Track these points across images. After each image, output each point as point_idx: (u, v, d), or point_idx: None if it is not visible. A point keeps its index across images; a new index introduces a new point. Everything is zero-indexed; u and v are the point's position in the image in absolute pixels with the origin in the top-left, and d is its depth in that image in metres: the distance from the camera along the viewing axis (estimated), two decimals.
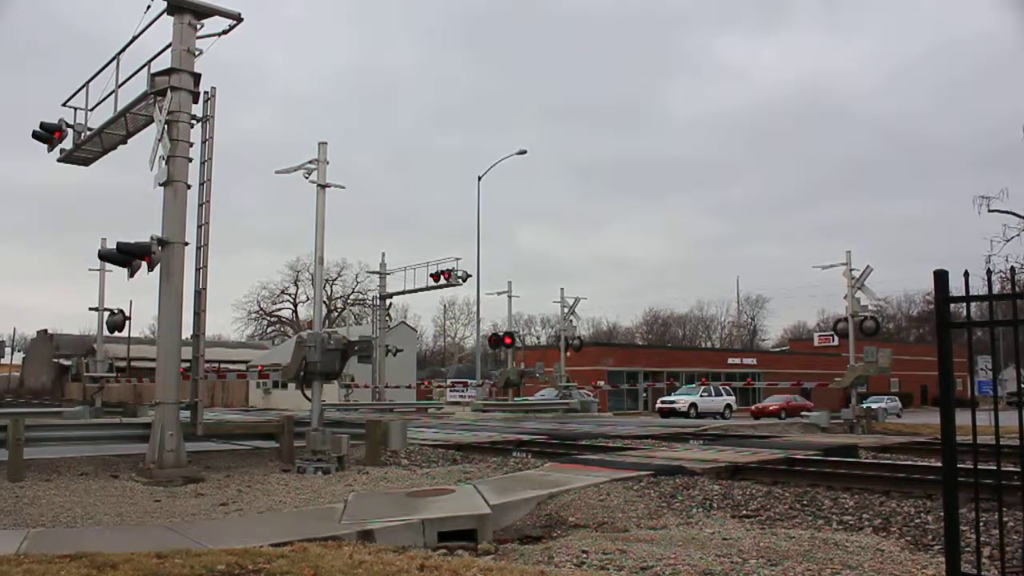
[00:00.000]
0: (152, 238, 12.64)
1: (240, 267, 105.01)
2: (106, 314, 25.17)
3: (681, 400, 42.13)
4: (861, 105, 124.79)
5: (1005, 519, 5.67)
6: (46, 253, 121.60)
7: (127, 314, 23.68)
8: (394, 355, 37.57)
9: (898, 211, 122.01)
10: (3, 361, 60.57)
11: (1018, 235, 24.32)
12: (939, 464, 6.10)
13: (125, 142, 15.42)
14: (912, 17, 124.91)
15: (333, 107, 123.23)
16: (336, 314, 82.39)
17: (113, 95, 14.39)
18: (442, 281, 35.64)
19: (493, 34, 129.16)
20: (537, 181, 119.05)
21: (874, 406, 29.66)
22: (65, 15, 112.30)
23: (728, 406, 42.79)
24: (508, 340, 37.96)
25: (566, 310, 39.42)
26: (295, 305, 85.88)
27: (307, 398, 14.10)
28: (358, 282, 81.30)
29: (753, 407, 43.56)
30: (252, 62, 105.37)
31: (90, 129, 15.29)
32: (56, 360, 68.48)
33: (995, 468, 5.02)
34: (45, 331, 75.41)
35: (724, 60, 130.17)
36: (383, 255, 39.23)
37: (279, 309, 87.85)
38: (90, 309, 27.88)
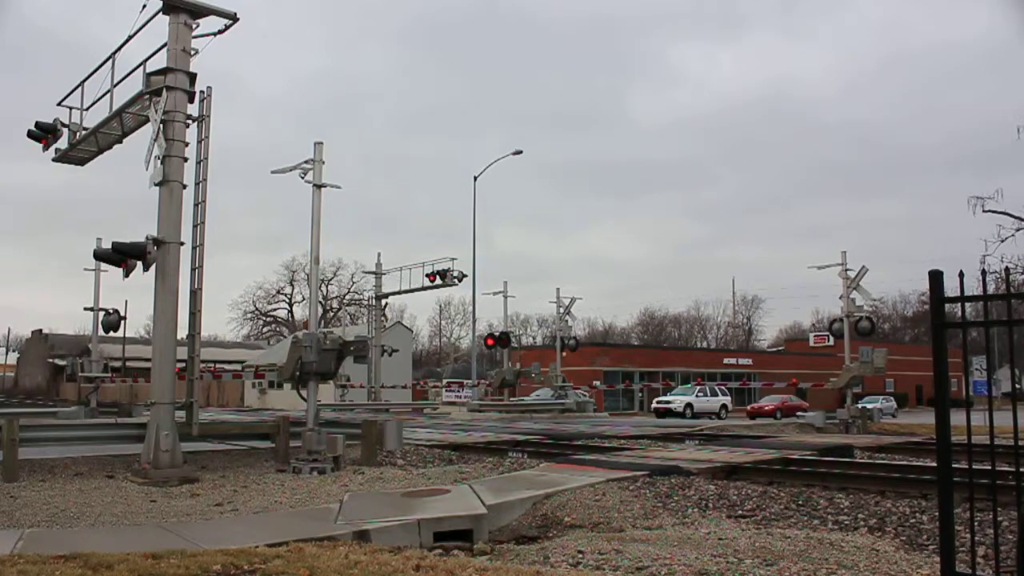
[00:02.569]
0: (148, 238, 12.61)
1: (221, 268, 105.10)
2: (101, 314, 25.14)
3: (677, 400, 42.12)
4: (827, 110, 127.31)
5: (1000, 519, 5.68)
6: (41, 253, 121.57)
7: (122, 314, 23.69)
8: (390, 355, 37.53)
9: (878, 212, 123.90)
10: None
11: (1012, 236, 24.40)
12: (934, 464, 6.11)
13: (121, 141, 15.40)
14: (869, 25, 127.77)
15: (305, 112, 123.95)
16: (332, 314, 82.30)
17: (109, 95, 14.37)
18: (438, 281, 35.63)
19: (459, 40, 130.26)
20: (512, 183, 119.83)
21: (869, 406, 29.66)
22: (46, 20, 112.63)
23: (724, 406, 42.80)
24: (504, 340, 37.98)
25: (562, 310, 39.48)
26: (291, 305, 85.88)
27: (303, 398, 14.08)
28: (354, 282, 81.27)
29: (749, 407, 43.56)
30: (225, 68, 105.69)
31: (85, 129, 15.26)
32: (51, 360, 68.27)
33: (990, 468, 5.04)
34: (40, 331, 75.24)
35: (689, 65, 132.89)
36: (379, 255, 39.24)
37: (275, 309, 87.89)
38: (85, 309, 27.97)
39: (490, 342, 39.40)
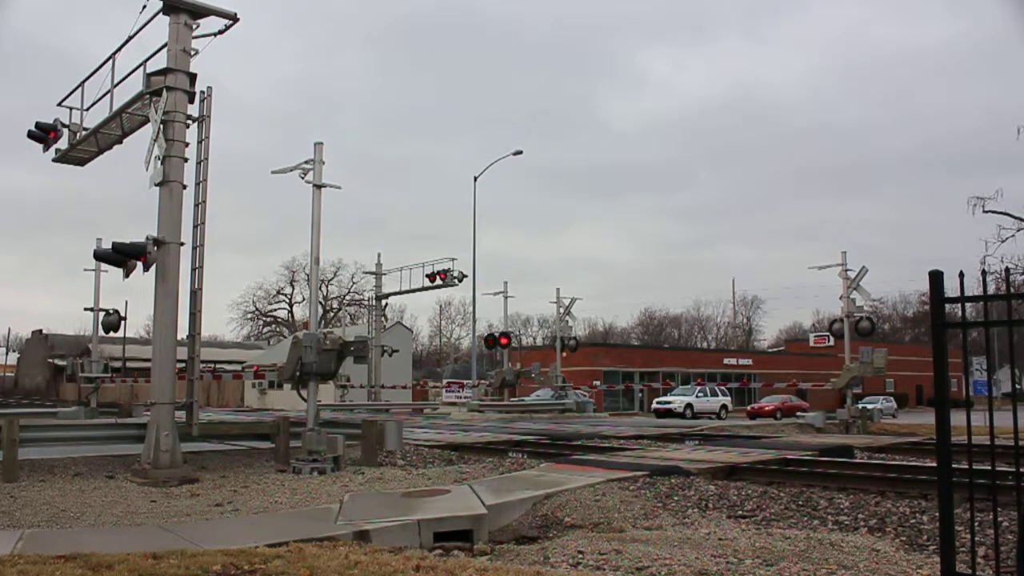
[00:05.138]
0: (148, 238, 12.61)
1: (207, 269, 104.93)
2: (101, 314, 25.14)
3: (677, 400, 42.08)
4: (799, 114, 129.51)
5: (1000, 519, 5.68)
6: (40, 254, 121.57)
7: (122, 314, 23.69)
8: (390, 355, 37.32)
9: (860, 213, 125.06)
10: None
11: (1013, 236, 24.45)
12: (934, 464, 6.11)
13: (121, 142, 15.39)
14: (838, 30, 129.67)
15: (281, 116, 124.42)
16: (332, 314, 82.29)
17: (109, 95, 14.37)
18: (438, 281, 35.66)
19: (432, 44, 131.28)
20: (494, 185, 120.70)
21: (869, 406, 29.69)
22: (37, 27, 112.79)
23: (724, 407, 42.78)
24: (504, 340, 38.00)
25: (562, 311, 39.48)
26: (291, 305, 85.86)
27: (303, 398, 14.08)
28: (354, 282, 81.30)
29: (749, 407, 43.54)
30: (205, 72, 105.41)
31: (85, 129, 15.25)
32: (51, 360, 68.28)
33: (990, 468, 5.04)
34: (40, 331, 75.25)
35: (657, 70, 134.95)
36: (379, 255, 39.31)
37: (275, 309, 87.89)
38: (85, 309, 27.95)
39: (490, 342, 39.42)
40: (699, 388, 44.15)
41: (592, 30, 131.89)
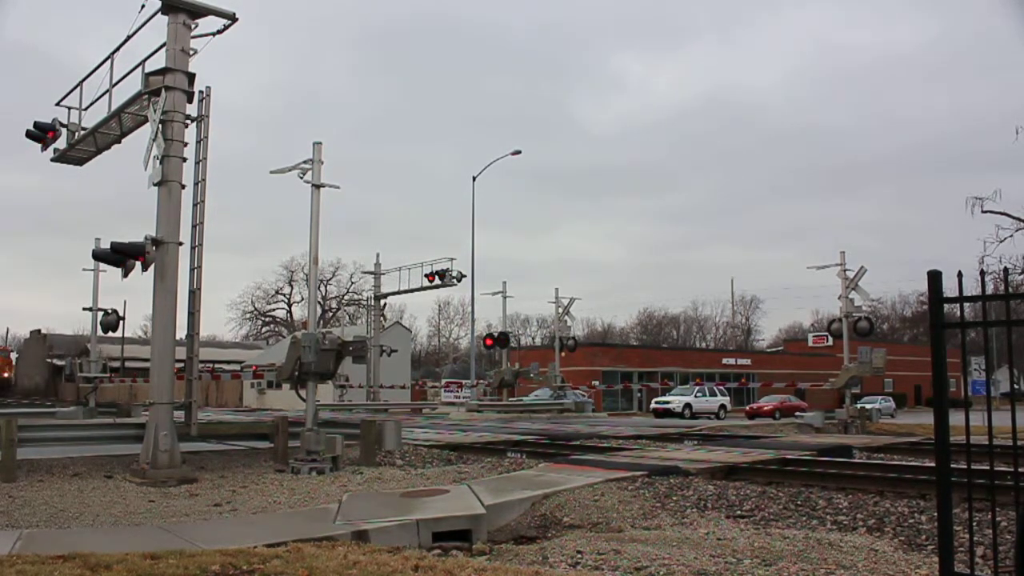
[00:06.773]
0: (146, 238, 12.60)
1: (209, 269, 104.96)
2: (100, 314, 25.12)
3: (676, 400, 42.03)
4: (781, 118, 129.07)
5: (998, 519, 5.68)
6: (39, 254, 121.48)
7: (121, 314, 23.69)
8: (388, 355, 37.31)
9: (844, 214, 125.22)
10: None
11: (1011, 236, 24.43)
12: (933, 464, 6.12)
13: (119, 141, 15.39)
14: (815, 35, 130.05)
15: (265, 121, 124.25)
16: (331, 314, 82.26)
17: (107, 95, 14.36)
18: (437, 281, 35.67)
19: (413, 48, 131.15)
20: (481, 187, 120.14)
21: (868, 406, 29.66)
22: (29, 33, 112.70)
23: (723, 406, 42.75)
24: (503, 340, 37.99)
25: (561, 310, 39.49)
26: (290, 305, 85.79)
27: (301, 398, 14.08)
28: (353, 282, 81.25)
29: (748, 407, 43.51)
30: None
31: (84, 129, 15.24)
32: (49, 360, 68.24)
33: (988, 468, 5.04)
34: (38, 331, 75.19)
35: (634, 74, 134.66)
36: (377, 255, 39.28)
37: (273, 309, 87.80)
38: (84, 309, 27.81)
39: (489, 342, 39.44)
40: (698, 388, 44.13)
41: (569, 35, 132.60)
